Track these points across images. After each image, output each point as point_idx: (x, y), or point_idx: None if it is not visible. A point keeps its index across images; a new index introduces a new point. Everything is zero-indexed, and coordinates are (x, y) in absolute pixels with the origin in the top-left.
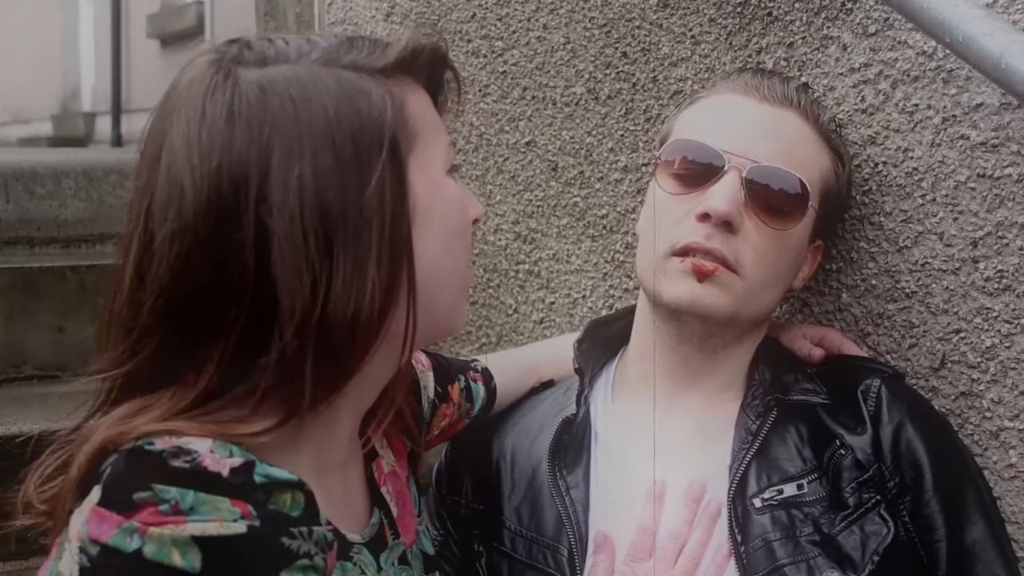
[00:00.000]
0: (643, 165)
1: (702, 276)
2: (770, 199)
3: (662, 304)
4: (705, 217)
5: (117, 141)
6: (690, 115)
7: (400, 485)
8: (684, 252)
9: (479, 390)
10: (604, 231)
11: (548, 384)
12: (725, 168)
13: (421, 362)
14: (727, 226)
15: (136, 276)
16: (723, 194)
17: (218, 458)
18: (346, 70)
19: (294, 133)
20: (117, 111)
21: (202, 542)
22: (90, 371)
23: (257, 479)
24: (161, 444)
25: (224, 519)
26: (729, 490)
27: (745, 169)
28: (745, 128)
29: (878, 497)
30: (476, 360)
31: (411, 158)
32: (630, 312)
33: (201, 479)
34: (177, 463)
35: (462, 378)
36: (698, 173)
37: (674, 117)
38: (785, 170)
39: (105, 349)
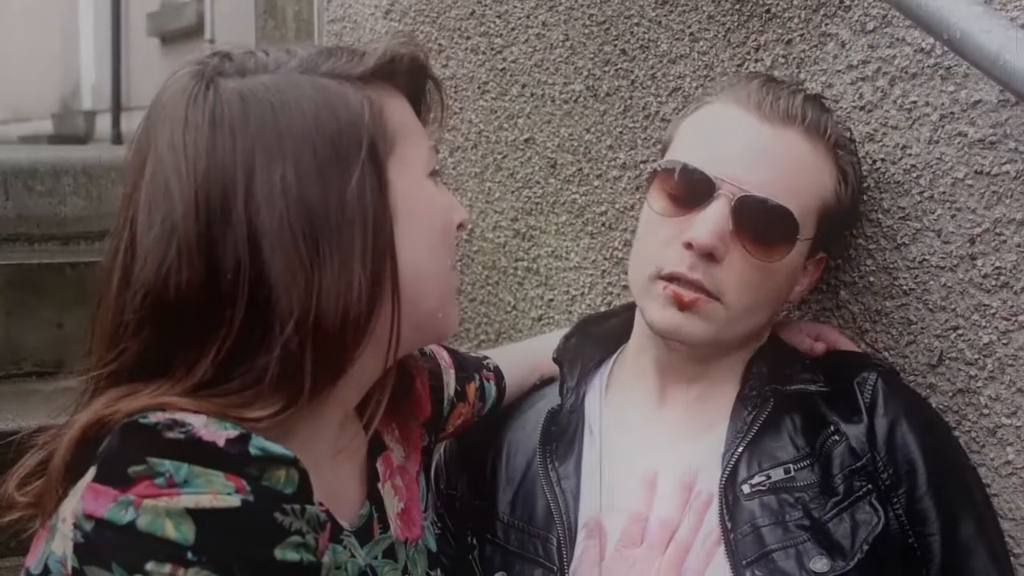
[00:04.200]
0: (641, 162)
1: (683, 306)
2: (757, 231)
3: (646, 322)
4: (689, 246)
5: (117, 139)
6: (692, 124)
7: (409, 479)
8: (668, 278)
9: (491, 390)
10: (603, 228)
11: (548, 381)
12: (715, 195)
13: (444, 358)
14: (710, 257)
15: (123, 278)
16: (708, 224)
17: (213, 430)
18: (324, 77)
19: (275, 138)
20: (117, 109)
21: (196, 514)
22: (75, 370)
23: (253, 451)
24: (155, 418)
25: (218, 492)
26: (721, 478)
27: (734, 198)
28: (740, 152)
29: (870, 486)
30: (488, 358)
31: (391, 160)
32: (626, 309)
33: (196, 450)
34: (172, 435)
35: (477, 377)
36: (688, 196)
37: (677, 122)
38: (775, 202)
39: (90, 350)
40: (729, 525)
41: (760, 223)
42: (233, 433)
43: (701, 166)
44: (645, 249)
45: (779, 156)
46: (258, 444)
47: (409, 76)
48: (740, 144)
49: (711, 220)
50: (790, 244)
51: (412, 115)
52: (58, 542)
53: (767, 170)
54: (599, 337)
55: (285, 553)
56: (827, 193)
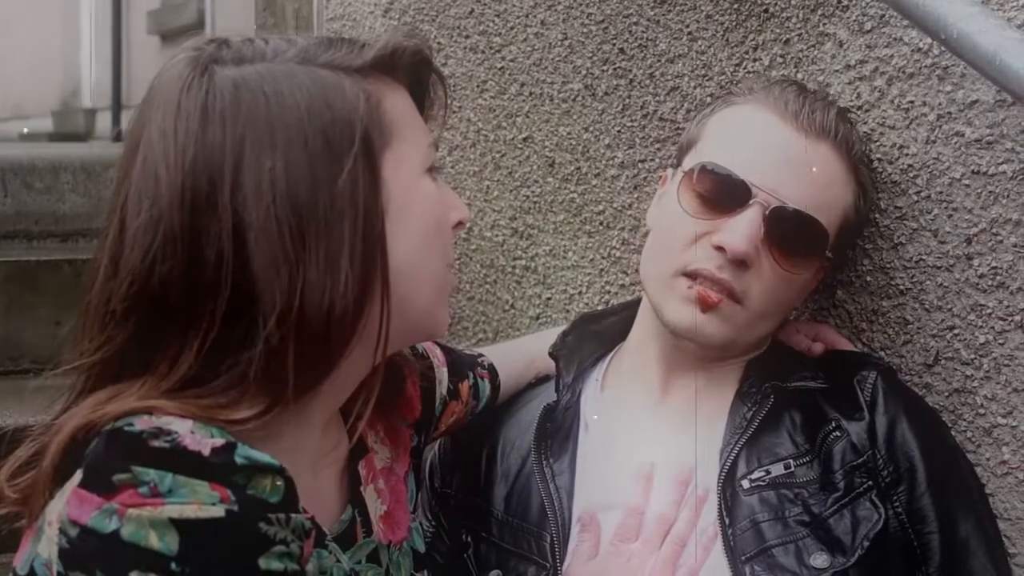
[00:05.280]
0: (640, 161)
1: (706, 307)
2: (788, 242)
3: (661, 321)
4: (721, 249)
5: (117, 137)
6: (722, 124)
7: (396, 481)
8: (693, 275)
9: (485, 388)
10: (600, 227)
11: (544, 379)
12: (750, 202)
13: (436, 356)
14: (741, 263)
15: (111, 266)
16: (742, 231)
17: (199, 438)
18: (322, 68)
19: (266, 127)
20: (117, 107)
21: (180, 525)
22: (63, 361)
23: (238, 460)
24: (141, 424)
25: (202, 502)
26: (719, 475)
27: (769, 207)
28: (776, 161)
29: (870, 483)
30: (482, 355)
31: (386, 155)
32: (624, 307)
33: (181, 459)
34: (157, 443)
35: (471, 375)
36: (721, 200)
37: (705, 119)
38: (809, 216)
39: (80, 340)
40: (727, 521)
41: (791, 234)
42: (219, 442)
43: (735, 170)
44: (667, 246)
45: (813, 168)
46: (243, 453)
47: (412, 70)
48: (777, 153)
49: (745, 227)
50: (819, 257)
51: (412, 110)
52: (44, 545)
53: (801, 182)
54: (597, 334)
55: (269, 563)
56: (848, 207)
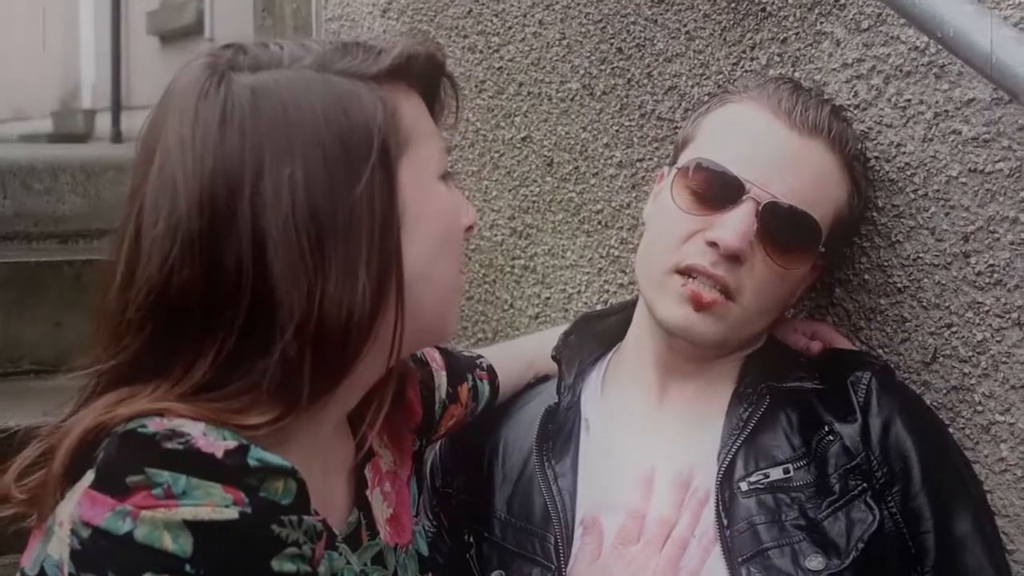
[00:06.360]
0: (638, 160)
1: (699, 306)
2: (781, 238)
3: (655, 319)
4: (714, 245)
5: (117, 138)
6: (717, 122)
7: (400, 484)
8: (687, 272)
9: (485, 389)
10: (599, 226)
11: (543, 379)
12: (743, 198)
13: (435, 360)
14: (735, 259)
15: (127, 273)
16: (735, 227)
17: (212, 440)
18: (339, 76)
19: (284, 136)
20: (117, 108)
21: (194, 527)
22: (77, 366)
23: (251, 462)
24: (154, 426)
25: (216, 504)
26: (717, 475)
27: (762, 203)
28: (769, 157)
29: (864, 485)
30: (481, 357)
31: (402, 162)
32: (624, 307)
33: (194, 461)
34: (170, 445)
35: (470, 377)
36: (714, 196)
37: (700, 117)
38: (802, 211)
39: (94, 345)
40: (725, 522)
41: (784, 230)
42: (232, 444)
43: (729, 167)
44: (662, 243)
45: (805, 165)
46: (256, 455)
47: (425, 75)
48: (769, 150)
49: (738, 222)
50: (812, 253)
51: (426, 116)
52: (55, 545)
53: (794, 177)
54: (598, 334)
55: (282, 564)
56: (841, 204)
